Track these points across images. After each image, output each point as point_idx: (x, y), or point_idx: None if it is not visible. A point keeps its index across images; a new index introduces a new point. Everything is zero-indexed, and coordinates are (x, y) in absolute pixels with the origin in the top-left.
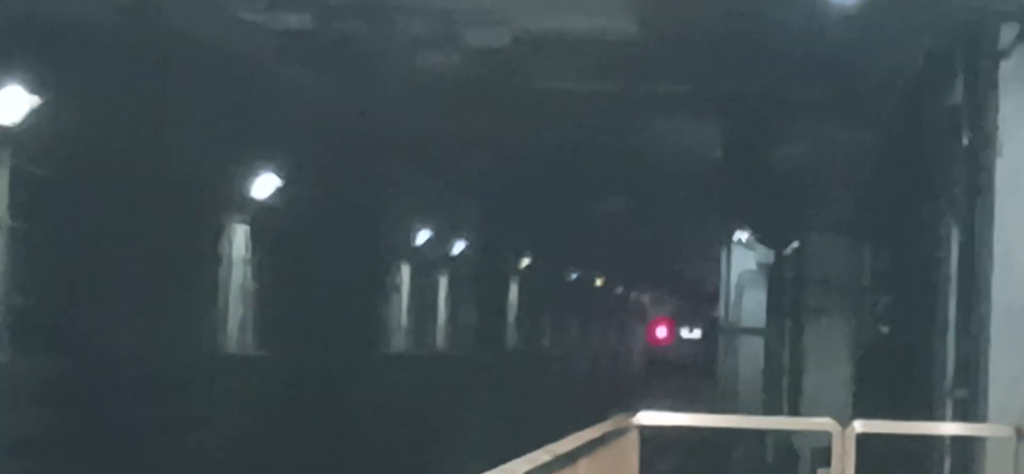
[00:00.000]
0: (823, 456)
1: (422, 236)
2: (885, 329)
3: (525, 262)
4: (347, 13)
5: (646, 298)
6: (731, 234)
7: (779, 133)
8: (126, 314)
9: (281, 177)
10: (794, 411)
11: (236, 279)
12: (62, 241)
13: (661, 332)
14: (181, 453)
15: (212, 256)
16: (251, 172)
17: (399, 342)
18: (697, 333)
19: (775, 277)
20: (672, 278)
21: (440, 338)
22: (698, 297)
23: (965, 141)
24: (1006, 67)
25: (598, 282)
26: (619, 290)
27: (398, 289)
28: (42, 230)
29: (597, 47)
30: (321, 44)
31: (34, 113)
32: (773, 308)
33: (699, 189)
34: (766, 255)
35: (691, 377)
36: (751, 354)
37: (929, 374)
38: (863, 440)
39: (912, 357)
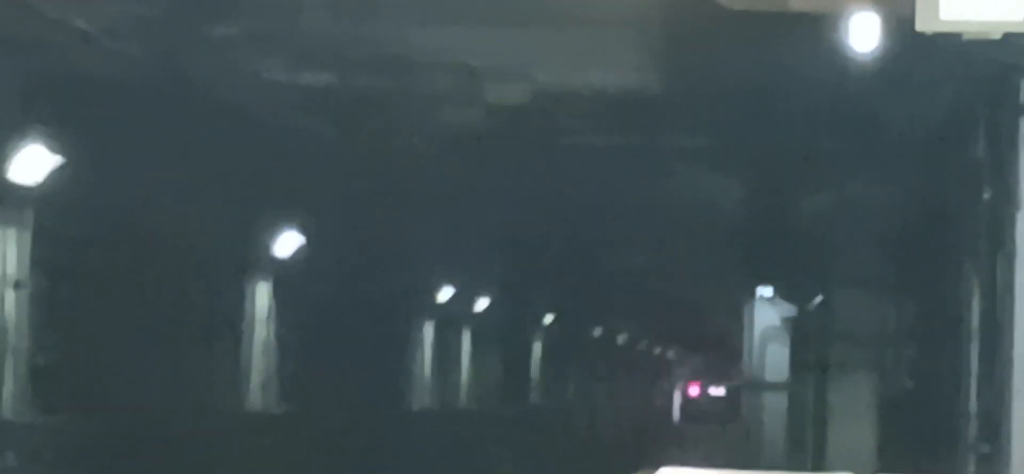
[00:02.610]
0: None
1: (445, 293)
2: (908, 383)
3: (548, 318)
4: (369, 70)
5: (669, 353)
6: (754, 289)
7: (802, 187)
8: (149, 373)
9: (303, 235)
10: (818, 465)
11: (259, 337)
12: (85, 301)
13: (693, 391)
14: None
15: (234, 314)
16: (273, 230)
17: (423, 399)
18: (721, 390)
19: (798, 332)
20: (695, 333)
21: (463, 394)
22: (721, 352)
23: (987, 195)
24: None
25: (621, 338)
26: (642, 345)
27: (421, 346)
28: (65, 290)
29: (619, 102)
30: (343, 101)
31: (56, 173)
32: (797, 363)
33: (722, 244)
34: (789, 310)
35: (716, 432)
36: (775, 409)
37: (952, 428)
38: None
39: (935, 411)
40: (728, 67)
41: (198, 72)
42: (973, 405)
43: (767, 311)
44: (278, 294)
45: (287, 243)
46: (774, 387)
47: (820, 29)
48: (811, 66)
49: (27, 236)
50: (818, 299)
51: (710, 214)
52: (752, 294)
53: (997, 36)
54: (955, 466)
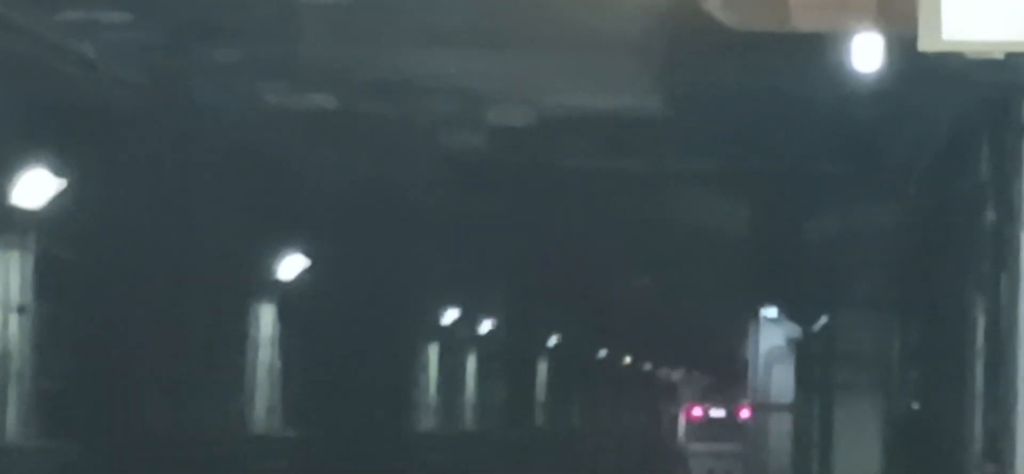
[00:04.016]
0: None
1: (449, 316)
2: (913, 404)
3: (552, 341)
4: (371, 93)
5: (674, 375)
6: (758, 311)
7: (806, 209)
8: (153, 397)
9: (307, 259)
10: None
11: (263, 360)
12: (88, 325)
13: (696, 412)
14: None
15: (239, 337)
16: (277, 254)
17: (428, 422)
18: (725, 411)
19: (802, 353)
20: (699, 355)
21: (466, 417)
22: (726, 374)
23: (991, 216)
24: None
25: (624, 360)
26: (646, 368)
27: (426, 369)
28: (68, 314)
29: (622, 124)
30: (346, 125)
31: (59, 196)
32: (802, 384)
33: (726, 266)
34: (793, 331)
35: (721, 454)
36: (779, 430)
37: (958, 449)
38: None
39: (941, 432)
40: (731, 89)
41: (200, 97)
42: (978, 425)
43: (771, 333)
44: (281, 318)
45: (290, 267)
46: (778, 408)
47: (823, 50)
48: (814, 87)
49: (30, 260)
50: (822, 320)
51: (713, 236)
52: (756, 316)
53: (1000, 56)
54: None
